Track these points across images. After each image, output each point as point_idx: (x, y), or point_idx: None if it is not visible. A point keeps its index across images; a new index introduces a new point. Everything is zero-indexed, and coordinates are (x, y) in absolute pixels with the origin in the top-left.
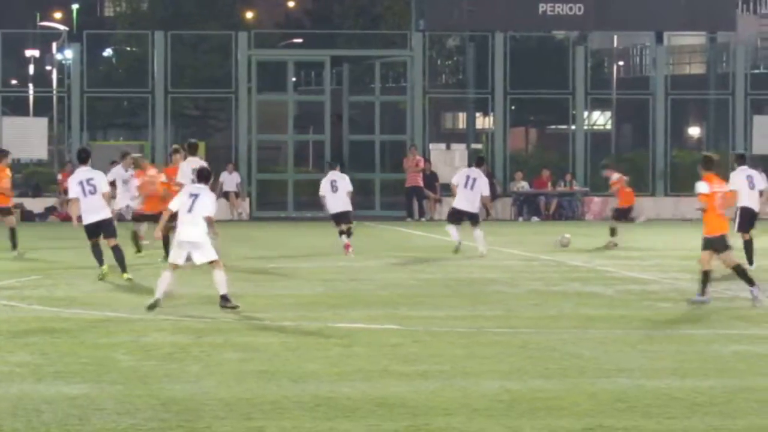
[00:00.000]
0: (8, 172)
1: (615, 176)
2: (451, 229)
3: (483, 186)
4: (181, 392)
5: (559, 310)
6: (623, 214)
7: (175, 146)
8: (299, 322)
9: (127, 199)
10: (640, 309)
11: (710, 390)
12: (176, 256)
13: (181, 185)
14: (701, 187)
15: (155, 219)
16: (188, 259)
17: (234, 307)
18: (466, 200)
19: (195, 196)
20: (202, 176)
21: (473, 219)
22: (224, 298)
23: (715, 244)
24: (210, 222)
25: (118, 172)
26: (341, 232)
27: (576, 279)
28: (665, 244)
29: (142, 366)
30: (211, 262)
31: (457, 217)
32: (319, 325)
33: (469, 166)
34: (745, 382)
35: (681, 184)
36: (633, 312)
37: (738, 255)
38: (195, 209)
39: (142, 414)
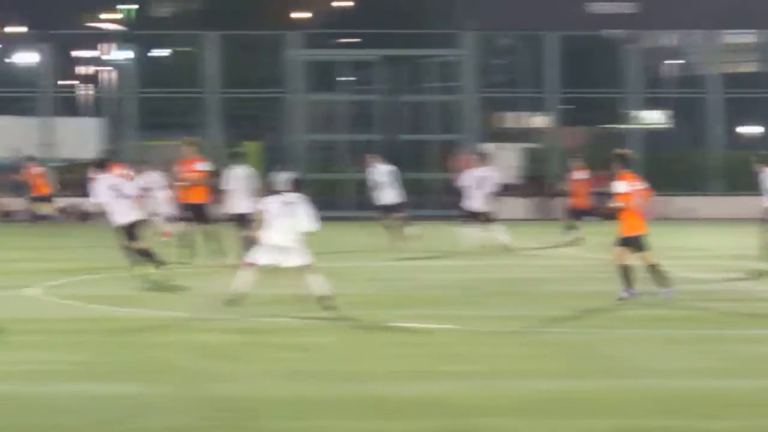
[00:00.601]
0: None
1: (581, 174)
2: (469, 230)
3: (491, 183)
4: (235, 392)
5: (612, 309)
6: (576, 214)
7: (186, 139)
8: (353, 322)
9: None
10: (692, 309)
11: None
12: (260, 257)
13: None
14: (618, 186)
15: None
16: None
17: (334, 307)
18: (476, 200)
19: (290, 204)
20: (294, 185)
21: (484, 217)
22: (325, 299)
23: (631, 244)
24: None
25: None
26: (389, 226)
27: None
28: (719, 244)
29: (197, 365)
30: (304, 267)
31: (471, 217)
32: (373, 324)
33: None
34: None
35: (736, 182)
36: (685, 312)
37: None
38: (291, 217)
39: (196, 413)
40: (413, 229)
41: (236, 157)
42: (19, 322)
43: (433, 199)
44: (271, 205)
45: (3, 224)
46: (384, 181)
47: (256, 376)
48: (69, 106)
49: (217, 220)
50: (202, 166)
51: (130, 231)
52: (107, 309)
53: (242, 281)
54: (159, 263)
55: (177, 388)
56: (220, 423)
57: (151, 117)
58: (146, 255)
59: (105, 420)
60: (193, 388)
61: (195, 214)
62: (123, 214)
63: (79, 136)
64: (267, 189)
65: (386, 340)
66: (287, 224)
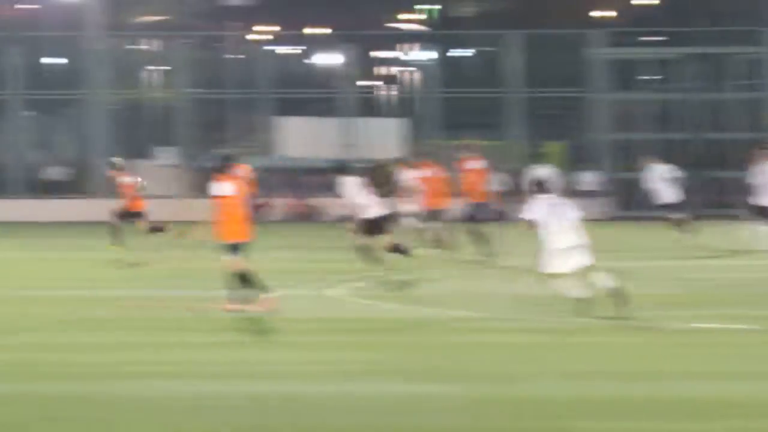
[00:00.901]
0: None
1: None
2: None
3: None
4: (534, 392)
5: None
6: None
7: (466, 141)
8: (654, 322)
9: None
10: None
11: None
12: (557, 265)
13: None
14: None
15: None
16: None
17: (625, 304)
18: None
19: (559, 205)
20: (544, 187)
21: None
22: (614, 296)
23: None
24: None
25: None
26: (676, 225)
27: None
28: None
29: (491, 366)
30: (589, 266)
31: (760, 213)
32: (668, 324)
33: None
34: None
35: None
36: None
37: None
38: (566, 217)
39: (493, 415)
40: (696, 228)
41: (539, 158)
42: (322, 321)
43: (736, 198)
44: (542, 209)
45: (305, 224)
46: (662, 181)
47: (555, 377)
48: (370, 107)
49: (497, 221)
50: (480, 165)
51: (375, 226)
52: (403, 308)
53: (571, 288)
54: (410, 257)
55: (474, 388)
56: (522, 424)
57: (452, 117)
58: (400, 251)
59: (402, 423)
60: (490, 388)
61: (475, 213)
62: (372, 209)
63: (381, 137)
64: (570, 189)
65: (683, 341)
66: (562, 226)
